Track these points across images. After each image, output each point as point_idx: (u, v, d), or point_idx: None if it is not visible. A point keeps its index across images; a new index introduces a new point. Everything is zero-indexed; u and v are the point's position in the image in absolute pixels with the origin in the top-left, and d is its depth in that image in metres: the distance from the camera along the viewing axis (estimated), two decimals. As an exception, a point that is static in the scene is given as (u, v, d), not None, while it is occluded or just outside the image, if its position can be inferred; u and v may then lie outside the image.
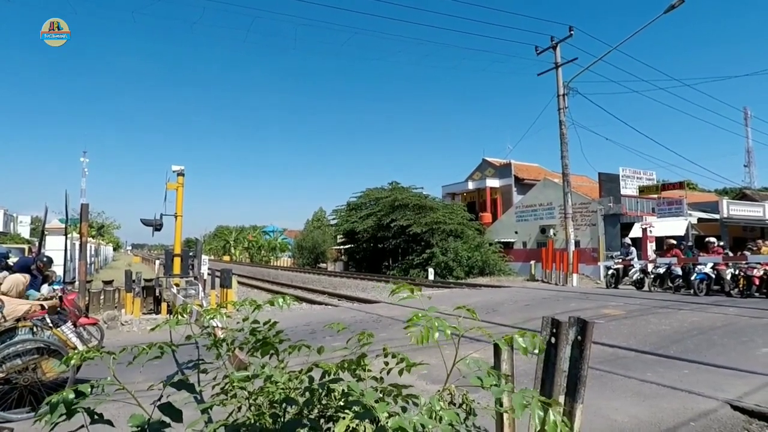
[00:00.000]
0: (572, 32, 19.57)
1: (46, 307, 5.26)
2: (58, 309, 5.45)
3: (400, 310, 10.49)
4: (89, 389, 1.37)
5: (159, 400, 1.51)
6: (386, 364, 1.82)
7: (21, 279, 5.18)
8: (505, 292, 15.35)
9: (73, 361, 1.55)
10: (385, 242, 31.47)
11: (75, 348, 4.87)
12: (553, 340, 2.29)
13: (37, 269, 7.18)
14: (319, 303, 15.25)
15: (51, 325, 4.94)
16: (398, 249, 30.77)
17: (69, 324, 5.21)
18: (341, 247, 42.26)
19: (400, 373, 1.74)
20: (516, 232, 28.43)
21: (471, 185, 34.56)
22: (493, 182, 33.13)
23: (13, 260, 9.55)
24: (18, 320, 4.74)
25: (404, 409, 1.51)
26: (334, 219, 40.10)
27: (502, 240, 28.62)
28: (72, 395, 1.33)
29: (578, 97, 20.58)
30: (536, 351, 1.54)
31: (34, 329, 4.78)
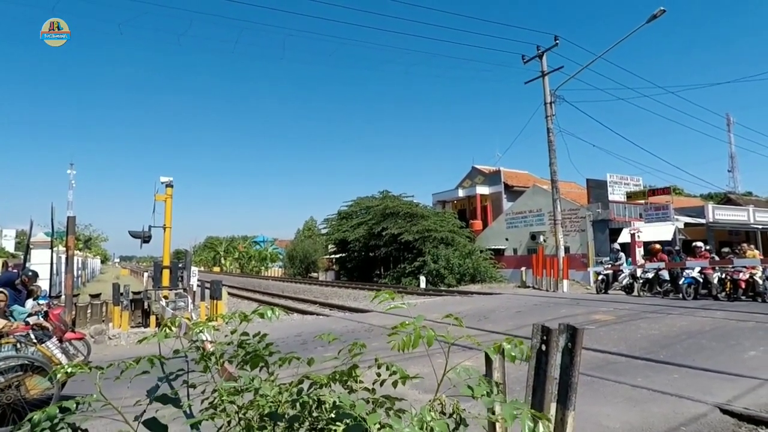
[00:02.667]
0: (558, 42, 19.91)
1: (30, 323, 5.16)
2: (43, 325, 5.35)
3: (393, 319, 10.46)
4: (74, 405, 1.34)
5: (142, 414, 1.48)
6: (378, 375, 1.81)
7: None
8: (496, 299, 15.38)
9: (58, 377, 1.52)
10: (376, 251, 31.42)
11: (60, 364, 4.77)
12: (543, 347, 2.30)
13: (21, 284, 7.04)
14: (311, 313, 15.13)
15: (35, 340, 4.84)
16: (390, 257, 30.75)
17: (54, 339, 5.11)
18: (332, 256, 42.08)
19: (395, 385, 1.73)
20: (506, 239, 28.57)
21: (461, 193, 34.74)
22: (483, 189, 33.32)
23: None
24: (1, 336, 4.64)
25: (398, 418, 1.50)
26: (325, 228, 40.01)
27: (493, 247, 28.73)
28: (56, 411, 1.30)
29: (565, 104, 20.93)
30: (525, 358, 1.54)
31: (18, 345, 4.68)
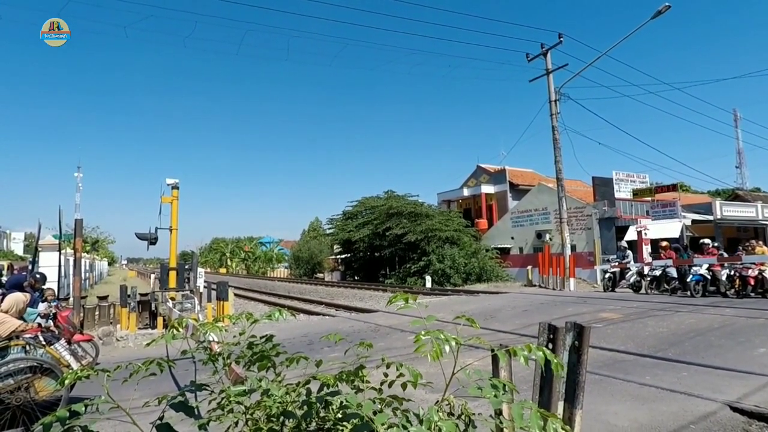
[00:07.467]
0: (562, 39, 19.80)
1: (43, 325, 5.22)
2: (52, 328, 5.41)
3: (398, 318, 10.45)
4: (83, 408, 1.35)
5: (160, 418, 1.49)
6: (386, 375, 1.81)
7: (21, 298, 5.15)
8: (502, 298, 15.33)
9: (67, 381, 1.53)
10: (381, 251, 31.41)
11: (68, 366, 4.82)
12: (550, 346, 2.28)
13: (29, 286, 7.11)
14: (317, 314, 15.16)
15: (44, 342, 4.88)
16: (395, 257, 30.73)
17: (63, 341, 5.15)
18: (338, 256, 42.15)
19: (404, 387, 1.72)
20: (512, 238, 28.48)
21: (466, 192, 34.67)
22: (488, 188, 33.24)
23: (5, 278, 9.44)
24: (10, 339, 4.68)
25: (406, 419, 1.50)
26: (330, 228, 40.05)
27: (499, 246, 28.65)
28: (66, 414, 1.32)
29: (570, 102, 20.78)
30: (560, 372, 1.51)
31: (27, 347, 4.72)
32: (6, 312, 4.85)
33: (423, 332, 1.50)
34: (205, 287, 14.64)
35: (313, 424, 1.64)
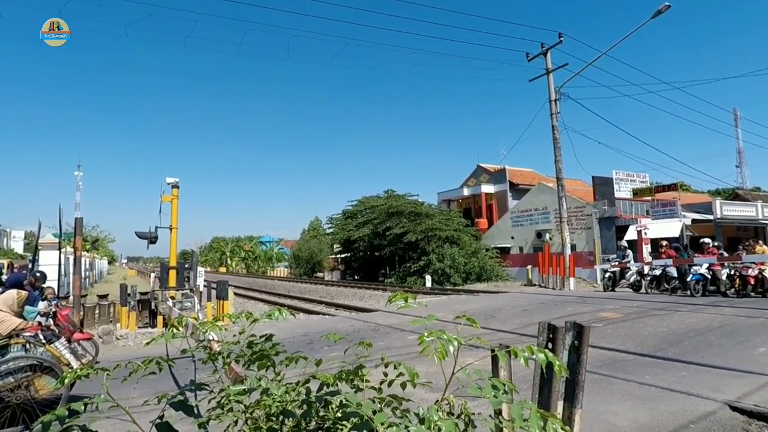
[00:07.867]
0: (562, 39, 19.79)
1: (43, 324, 5.21)
2: (52, 326, 5.40)
3: (398, 318, 10.45)
4: (83, 407, 1.35)
5: (160, 417, 1.49)
6: (385, 375, 1.81)
7: (15, 295, 5.11)
8: (502, 297, 15.33)
9: (66, 380, 1.53)
10: (381, 250, 31.42)
11: (68, 364, 4.82)
12: (549, 345, 2.28)
13: (29, 284, 7.11)
14: (317, 313, 15.17)
15: (44, 341, 4.88)
16: (395, 257, 30.75)
17: (63, 340, 5.16)
18: (338, 256, 42.17)
19: (403, 386, 1.72)
20: (512, 237, 28.47)
21: (466, 191, 34.67)
22: (488, 188, 33.23)
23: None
24: (10, 337, 4.68)
25: (406, 419, 1.50)
26: (330, 227, 40.09)
27: (499, 245, 28.66)
28: (65, 413, 1.32)
29: (570, 102, 20.77)
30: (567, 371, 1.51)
31: (27, 346, 4.72)
32: (1, 309, 4.84)
33: (426, 333, 1.50)
34: (205, 286, 14.64)
35: (313, 423, 1.64)
